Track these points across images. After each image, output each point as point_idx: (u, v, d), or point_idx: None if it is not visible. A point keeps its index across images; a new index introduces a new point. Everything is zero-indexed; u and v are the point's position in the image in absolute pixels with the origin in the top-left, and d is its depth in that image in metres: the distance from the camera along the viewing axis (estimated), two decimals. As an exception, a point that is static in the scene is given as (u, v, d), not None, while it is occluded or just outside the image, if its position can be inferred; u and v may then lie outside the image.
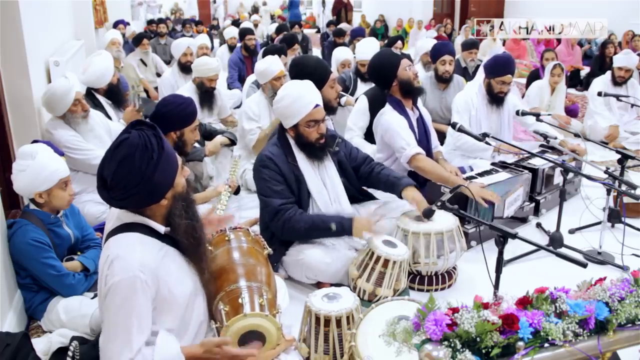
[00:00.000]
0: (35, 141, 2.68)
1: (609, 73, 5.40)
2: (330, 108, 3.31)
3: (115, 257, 1.59)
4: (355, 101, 4.26)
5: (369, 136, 3.97)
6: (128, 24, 9.49)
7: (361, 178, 2.99)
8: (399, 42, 6.78)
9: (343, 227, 2.61)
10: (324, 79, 3.25)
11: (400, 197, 2.84)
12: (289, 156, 2.71)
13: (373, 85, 4.28)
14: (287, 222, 2.61)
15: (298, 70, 3.32)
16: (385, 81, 3.41)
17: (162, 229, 1.70)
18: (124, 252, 1.60)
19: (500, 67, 3.82)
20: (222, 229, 2.09)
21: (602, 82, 5.33)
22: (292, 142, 2.74)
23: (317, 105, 2.65)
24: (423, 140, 3.45)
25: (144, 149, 1.57)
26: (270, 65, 4.11)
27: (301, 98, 2.62)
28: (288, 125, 2.70)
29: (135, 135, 1.60)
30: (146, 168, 1.57)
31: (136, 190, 1.58)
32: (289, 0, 18.37)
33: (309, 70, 3.26)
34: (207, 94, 4.68)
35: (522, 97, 5.83)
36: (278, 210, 2.62)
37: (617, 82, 5.27)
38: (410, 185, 2.82)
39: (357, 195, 3.03)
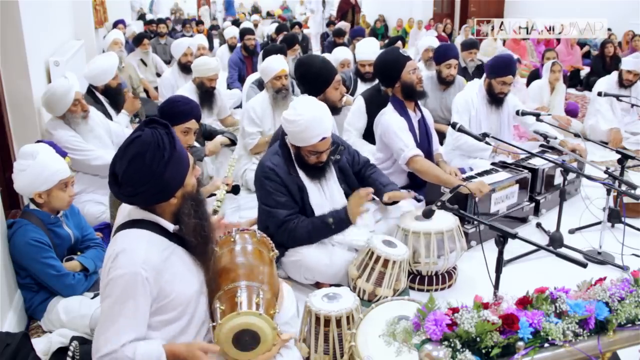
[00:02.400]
0: (39, 141, 2.67)
1: (614, 74, 5.35)
2: (334, 109, 3.30)
3: (121, 250, 1.61)
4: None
5: (369, 136, 3.98)
6: (127, 24, 9.50)
7: (359, 181, 3.00)
8: (399, 42, 6.78)
9: (340, 218, 2.60)
10: (329, 80, 3.25)
11: (384, 202, 2.85)
12: (290, 167, 2.68)
13: (372, 85, 4.29)
14: (292, 232, 2.61)
15: (304, 71, 3.32)
16: (389, 81, 3.41)
17: (170, 227, 1.71)
18: (129, 247, 1.61)
19: (501, 67, 3.81)
20: (229, 231, 2.09)
21: (606, 82, 5.28)
22: (293, 153, 2.71)
23: (324, 138, 2.57)
24: (424, 142, 3.44)
25: (155, 148, 1.58)
26: (270, 64, 4.10)
27: (311, 129, 2.52)
28: (292, 142, 2.65)
29: (148, 133, 1.61)
30: (157, 167, 1.58)
31: (146, 188, 1.60)
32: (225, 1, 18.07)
33: (314, 70, 3.25)
34: (207, 93, 4.68)
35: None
36: (283, 221, 2.61)
37: (624, 84, 5.21)
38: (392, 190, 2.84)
39: None
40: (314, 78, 3.27)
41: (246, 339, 1.72)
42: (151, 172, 1.58)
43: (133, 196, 1.64)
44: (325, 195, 2.76)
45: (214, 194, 3.40)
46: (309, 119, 2.51)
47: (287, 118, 2.57)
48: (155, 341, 1.65)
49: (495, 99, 3.88)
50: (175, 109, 2.91)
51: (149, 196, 1.64)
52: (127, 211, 1.75)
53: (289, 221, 2.62)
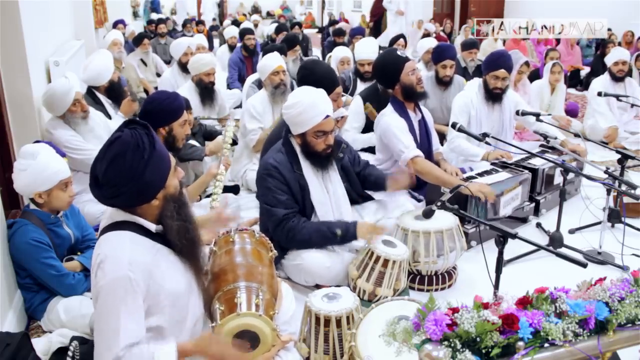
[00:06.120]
0: (37, 142, 2.67)
1: (606, 72, 5.40)
2: None
3: (105, 257, 1.60)
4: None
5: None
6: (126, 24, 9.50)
7: (361, 180, 3.01)
8: (401, 39, 6.79)
9: (348, 231, 2.60)
10: (329, 90, 3.23)
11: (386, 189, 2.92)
12: (294, 164, 2.68)
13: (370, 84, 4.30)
14: (291, 230, 2.60)
15: (305, 74, 3.27)
16: (388, 83, 3.42)
17: (153, 227, 1.70)
18: (113, 251, 1.60)
19: (493, 61, 3.81)
20: (227, 230, 2.09)
21: (601, 81, 5.33)
22: (297, 149, 2.70)
23: (327, 116, 2.58)
24: (424, 143, 3.44)
25: (135, 148, 1.57)
26: (267, 61, 4.16)
27: (312, 108, 2.54)
28: (296, 132, 2.65)
29: (128, 134, 1.60)
30: (137, 167, 1.57)
31: (126, 189, 1.58)
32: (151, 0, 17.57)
33: (316, 78, 3.19)
34: (206, 90, 4.69)
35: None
36: (282, 219, 2.61)
37: (617, 77, 5.28)
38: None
39: (358, 199, 3.03)
40: (313, 85, 3.25)
41: (246, 340, 1.72)
42: (131, 173, 1.57)
43: (114, 197, 1.62)
44: (328, 193, 2.76)
45: (210, 195, 3.39)
46: (308, 99, 2.57)
47: (287, 104, 2.62)
48: (168, 342, 1.62)
49: (492, 96, 3.84)
50: (170, 105, 2.83)
51: (129, 197, 1.62)
52: (109, 213, 1.73)
53: (287, 219, 2.61)
